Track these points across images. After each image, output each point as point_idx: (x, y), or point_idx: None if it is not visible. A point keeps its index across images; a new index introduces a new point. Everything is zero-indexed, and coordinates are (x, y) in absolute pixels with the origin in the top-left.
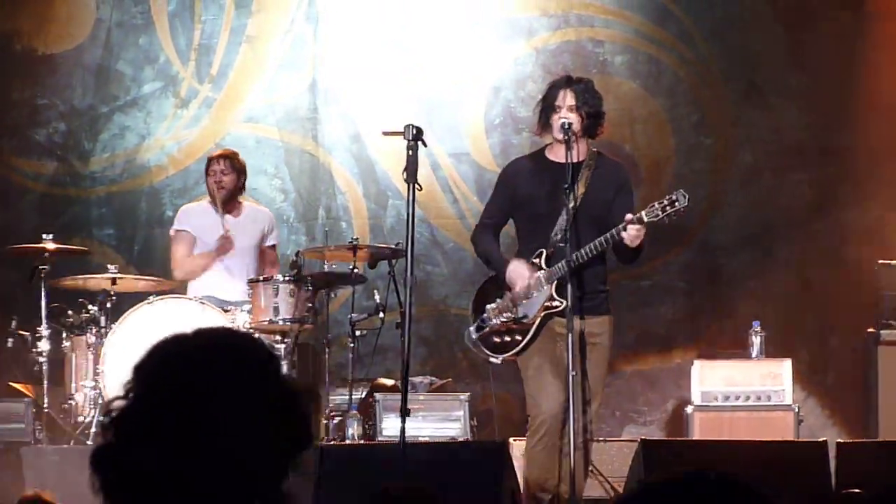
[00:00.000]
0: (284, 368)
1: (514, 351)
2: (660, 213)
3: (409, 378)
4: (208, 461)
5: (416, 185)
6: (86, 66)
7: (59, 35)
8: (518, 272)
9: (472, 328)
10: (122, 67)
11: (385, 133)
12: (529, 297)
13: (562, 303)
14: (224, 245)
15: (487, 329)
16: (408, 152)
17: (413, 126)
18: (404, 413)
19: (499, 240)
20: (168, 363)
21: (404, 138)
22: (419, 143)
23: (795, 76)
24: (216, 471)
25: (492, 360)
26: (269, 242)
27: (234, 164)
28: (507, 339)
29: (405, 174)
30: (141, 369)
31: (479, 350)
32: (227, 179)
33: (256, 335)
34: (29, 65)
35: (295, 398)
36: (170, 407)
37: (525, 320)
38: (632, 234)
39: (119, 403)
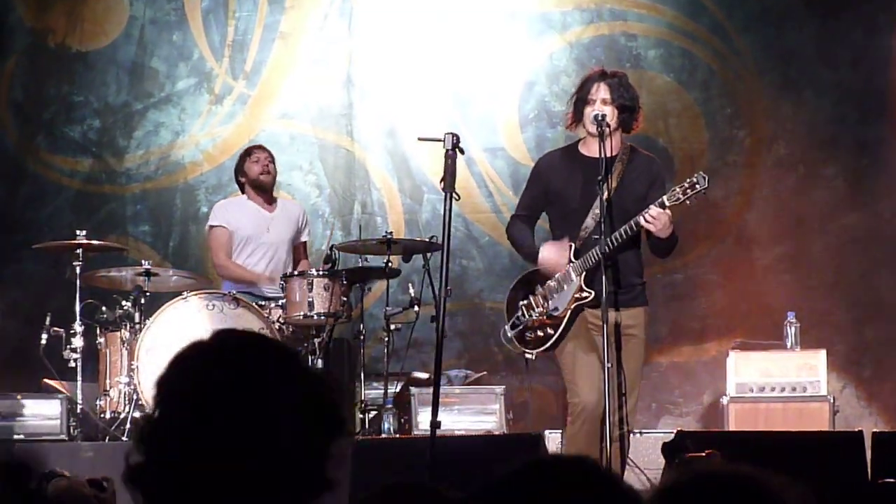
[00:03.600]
0: (309, 362)
1: (547, 345)
2: (681, 196)
3: (444, 372)
4: (241, 465)
5: (455, 195)
6: (120, 64)
7: (93, 32)
8: (550, 258)
9: (507, 326)
10: (156, 64)
11: (421, 139)
12: (560, 290)
13: (591, 293)
14: (272, 274)
15: (522, 326)
16: (446, 161)
17: (452, 134)
18: (434, 419)
19: (533, 232)
20: (186, 374)
21: (444, 147)
22: (457, 150)
23: (828, 69)
24: (250, 473)
25: (527, 355)
26: (302, 238)
27: (271, 154)
28: (541, 333)
29: (442, 183)
30: (162, 383)
31: (514, 347)
32: (273, 167)
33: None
34: (63, 62)
35: (319, 389)
36: (194, 417)
37: (556, 314)
38: (653, 214)
39: (146, 419)
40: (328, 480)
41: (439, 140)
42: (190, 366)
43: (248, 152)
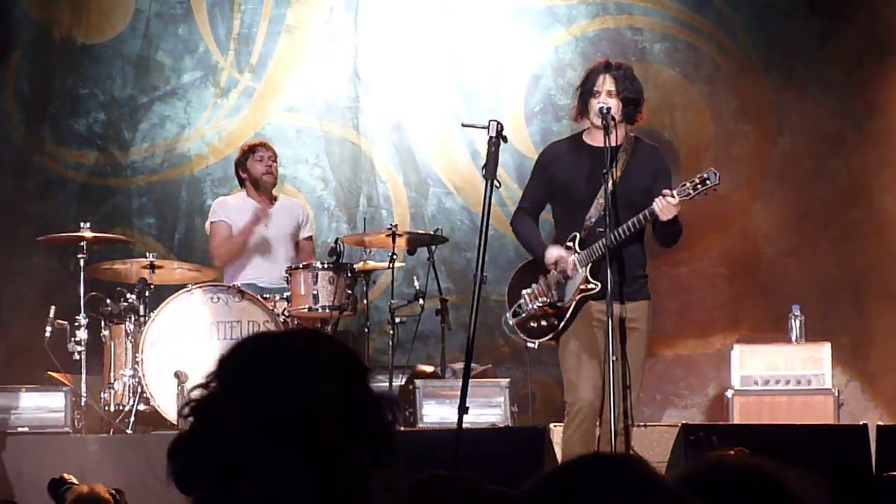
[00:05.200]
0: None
1: (550, 335)
2: (691, 191)
3: (449, 365)
4: (286, 454)
5: (496, 182)
6: (125, 57)
7: (99, 25)
8: (556, 257)
9: (508, 314)
10: (162, 57)
11: (465, 125)
12: (565, 280)
13: (597, 285)
14: (258, 215)
15: (524, 314)
16: (489, 148)
17: (496, 121)
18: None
19: (538, 224)
20: (254, 356)
21: (488, 133)
22: (501, 138)
23: (833, 63)
24: (294, 464)
25: (529, 345)
26: (304, 234)
27: (275, 153)
28: (544, 323)
29: (484, 171)
30: (225, 361)
31: (516, 336)
32: (276, 167)
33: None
34: (69, 55)
35: (380, 408)
36: (245, 399)
37: (560, 304)
38: (662, 204)
39: (200, 393)
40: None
41: (483, 127)
42: (257, 349)
43: (252, 149)
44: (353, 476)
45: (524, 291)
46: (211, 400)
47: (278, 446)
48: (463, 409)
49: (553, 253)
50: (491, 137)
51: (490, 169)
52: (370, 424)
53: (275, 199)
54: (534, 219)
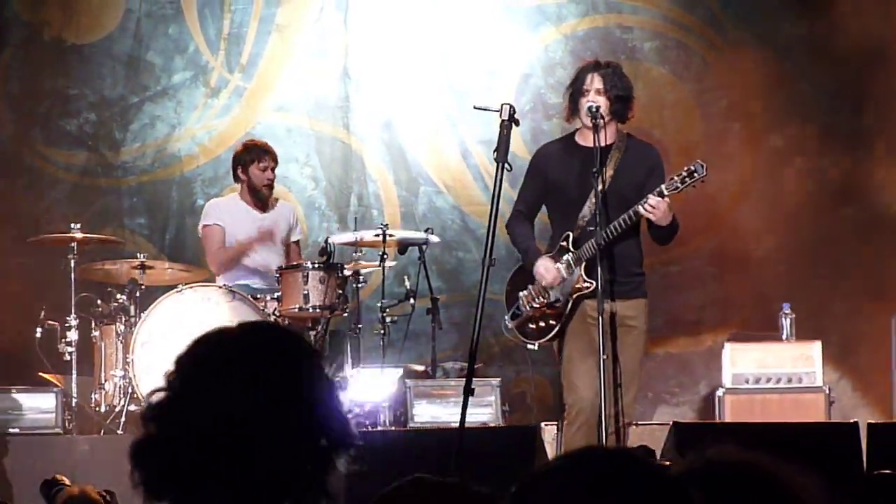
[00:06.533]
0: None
1: (549, 336)
2: (679, 184)
3: (440, 364)
4: (245, 455)
5: (507, 166)
6: (116, 57)
7: (89, 25)
8: (543, 271)
9: (507, 317)
10: (152, 57)
11: (477, 107)
12: (560, 280)
13: (591, 283)
14: (263, 236)
15: (522, 316)
16: (501, 131)
17: (508, 104)
18: (466, 398)
19: (533, 227)
20: (208, 356)
21: (500, 116)
22: (513, 122)
23: (823, 61)
24: (253, 465)
25: (529, 346)
26: (293, 238)
27: (276, 161)
28: (542, 324)
29: (496, 154)
30: (182, 361)
31: (516, 338)
32: (274, 176)
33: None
34: (59, 55)
35: (336, 397)
36: (208, 400)
37: (557, 304)
38: (651, 203)
39: (159, 395)
40: (328, 493)
41: (496, 110)
42: (213, 347)
43: (258, 155)
44: (315, 469)
45: (521, 293)
46: (172, 402)
47: (242, 446)
48: (468, 391)
49: (539, 264)
50: (503, 121)
51: (501, 152)
52: (328, 415)
53: (269, 204)
54: (529, 222)
